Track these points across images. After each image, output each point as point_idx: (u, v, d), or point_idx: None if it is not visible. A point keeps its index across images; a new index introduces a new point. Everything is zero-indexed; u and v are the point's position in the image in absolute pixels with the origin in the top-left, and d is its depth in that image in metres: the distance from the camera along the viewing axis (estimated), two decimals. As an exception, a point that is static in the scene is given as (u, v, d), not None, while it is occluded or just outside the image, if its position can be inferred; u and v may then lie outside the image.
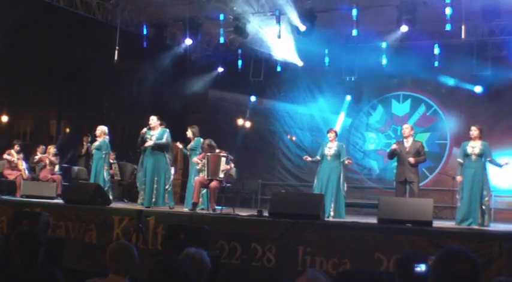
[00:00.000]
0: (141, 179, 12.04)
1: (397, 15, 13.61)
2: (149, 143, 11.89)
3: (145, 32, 16.06)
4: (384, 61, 16.05)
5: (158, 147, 11.92)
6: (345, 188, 11.96)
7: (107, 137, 13.28)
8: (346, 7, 13.99)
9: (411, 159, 11.13)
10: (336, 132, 12.38)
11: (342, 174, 11.91)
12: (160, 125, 12.22)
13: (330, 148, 12.05)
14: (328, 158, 12.00)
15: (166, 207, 11.66)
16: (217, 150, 11.57)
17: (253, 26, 15.17)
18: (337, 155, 11.97)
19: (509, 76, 15.34)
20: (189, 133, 12.57)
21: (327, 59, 16.77)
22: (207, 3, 15.45)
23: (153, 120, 12.05)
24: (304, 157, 13.20)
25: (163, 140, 11.94)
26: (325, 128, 14.56)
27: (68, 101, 22.09)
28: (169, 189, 12.03)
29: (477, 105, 15.91)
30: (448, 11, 13.17)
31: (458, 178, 10.97)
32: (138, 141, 12.12)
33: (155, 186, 11.84)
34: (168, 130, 12.16)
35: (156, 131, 11.99)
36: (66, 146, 18.62)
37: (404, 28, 13.69)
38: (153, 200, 11.79)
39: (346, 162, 11.99)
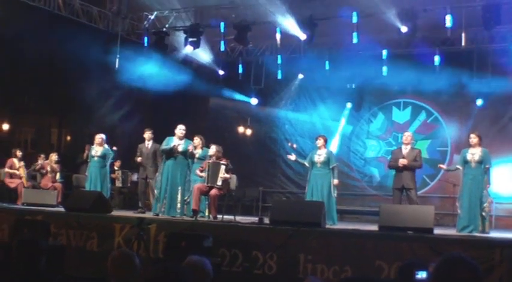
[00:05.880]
0: (163, 188, 12.01)
1: (397, 22, 13.66)
2: (197, 152, 12.22)
3: (146, 40, 16.11)
4: (385, 68, 16.03)
5: (184, 157, 12.08)
6: (335, 194, 11.96)
7: (106, 145, 13.36)
8: (346, 14, 14.03)
9: (402, 160, 11.19)
10: (325, 139, 12.36)
11: (332, 181, 11.90)
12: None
13: (320, 155, 12.04)
14: (318, 165, 11.99)
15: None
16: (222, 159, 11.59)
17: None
18: (327, 162, 11.96)
19: (510, 83, 15.37)
20: (198, 142, 12.53)
21: (327, 66, 16.77)
22: (208, 11, 15.51)
23: (183, 129, 12.17)
24: (288, 155, 13.18)
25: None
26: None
27: (69, 109, 22.08)
28: (188, 200, 11.96)
29: (478, 112, 15.91)
30: (448, 18, 13.22)
31: (443, 166, 11.86)
32: (165, 150, 12.08)
33: (178, 196, 11.90)
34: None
35: (182, 141, 12.06)
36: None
37: (404, 29, 13.69)
38: (178, 210, 11.83)
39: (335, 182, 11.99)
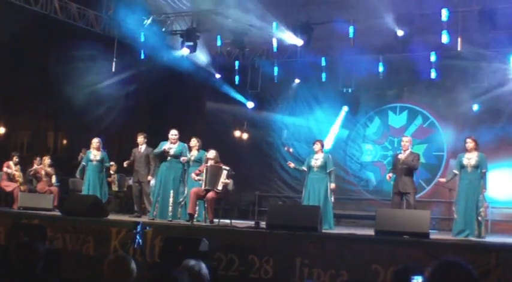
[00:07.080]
0: (156, 191, 12.02)
1: (393, 26, 13.69)
2: (192, 155, 12.18)
3: (142, 44, 16.11)
4: (381, 73, 16.06)
5: (178, 160, 12.06)
6: (332, 199, 11.97)
7: (101, 149, 13.38)
8: (342, 19, 14.06)
9: (400, 155, 11.36)
10: (322, 144, 12.36)
11: (329, 185, 11.90)
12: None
13: (317, 159, 12.04)
14: (315, 169, 11.99)
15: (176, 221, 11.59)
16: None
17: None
18: (324, 166, 11.96)
19: (505, 88, 15.40)
20: (194, 143, 12.53)
21: (324, 71, 16.78)
22: (205, 16, 15.52)
23: (175, 134, 12.15)
24: (288, 162, 13.24)
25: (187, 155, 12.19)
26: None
27: (65, 112, 22.09)
28: (182, 203, 11.95)
29: (474, 117, 15.92)
30: (444, 23, 13.26)
31: (442, 180, 11.73)
32: (156, 153, 12.19)
33: (170, 199, 11.87)
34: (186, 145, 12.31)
35: (174, 145, 12.05)
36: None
37: (400, 33, 13.73)
38: (169, 213, 11.78)
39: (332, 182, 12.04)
